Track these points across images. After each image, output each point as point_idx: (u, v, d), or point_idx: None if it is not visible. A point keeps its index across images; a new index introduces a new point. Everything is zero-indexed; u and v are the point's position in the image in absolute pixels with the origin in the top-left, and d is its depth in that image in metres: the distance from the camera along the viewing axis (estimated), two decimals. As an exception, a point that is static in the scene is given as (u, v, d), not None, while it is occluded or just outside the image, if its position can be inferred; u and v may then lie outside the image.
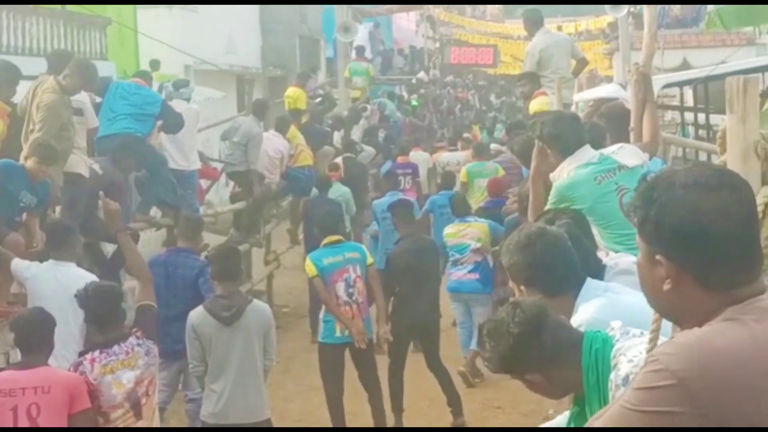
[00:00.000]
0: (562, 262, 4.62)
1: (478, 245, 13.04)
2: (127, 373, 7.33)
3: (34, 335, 7.25)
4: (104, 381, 7.28)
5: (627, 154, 6.73)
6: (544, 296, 4.45)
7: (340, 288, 10.91)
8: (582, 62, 14.83)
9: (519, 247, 4.66)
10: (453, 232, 13.23)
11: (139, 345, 7.42)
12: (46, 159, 9.92)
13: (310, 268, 11.06)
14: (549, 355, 3.86)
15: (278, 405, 11.27)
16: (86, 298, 7.59)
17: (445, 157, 22.35)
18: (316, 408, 11.75)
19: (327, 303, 10.95)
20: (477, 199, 18.30)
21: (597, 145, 7.11)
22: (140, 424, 7.40)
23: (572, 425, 4.01)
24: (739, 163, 3.12)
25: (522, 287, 4.68)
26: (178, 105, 13.71)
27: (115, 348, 7.38)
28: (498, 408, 12.14)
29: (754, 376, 2.36)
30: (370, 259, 11.30)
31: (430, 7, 50.82)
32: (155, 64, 20.30)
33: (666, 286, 2.57)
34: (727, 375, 2.34)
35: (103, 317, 7.55)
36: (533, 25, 14.56)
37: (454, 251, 13.17)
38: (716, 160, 3.35)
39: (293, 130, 18.92)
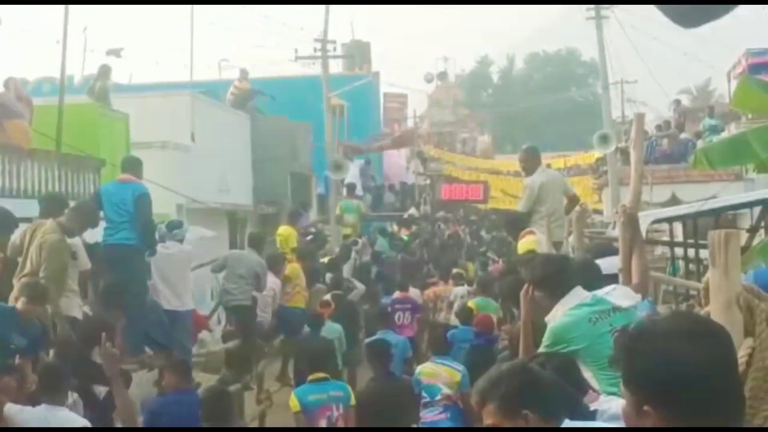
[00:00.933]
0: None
1: (449, 392, 12.92)
2: None
3: None
4: None
5: (620, 296, 6.75)
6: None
7: (322, 425, 10.98)
8: (573, 199, 14.91)
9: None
10: (429, 372, 12.93)
11: None
12: (35, 298, 9.97)
13: (294, 404, 11.18)
14: None
15: None
16: None
17: (458, 290, 22.25)
18: None
19: None
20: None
21: (594, 283, 7.12)
22: None
23: None
24: (723, 315, 3.19)
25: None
26: (171, 246, 13.81)
27: None
28: None
29: None
30: (353, 400, 11.29)
31: (421, 143, 51.39)
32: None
33: None
34: None
35: None
36: (534, 163, 14.60)
37: (425, 392, 13.00)
38: (701, 312, 3.41)
39: (296, 269, 19.06)
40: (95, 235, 12.98)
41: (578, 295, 6.79)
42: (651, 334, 2.64)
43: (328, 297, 18.90)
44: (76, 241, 11.72)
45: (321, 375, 11.33)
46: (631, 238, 7.98)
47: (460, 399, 12.87)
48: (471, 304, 18.56)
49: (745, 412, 3.09)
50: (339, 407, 11.05)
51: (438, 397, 12.70)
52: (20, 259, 11.08)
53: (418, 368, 13.01)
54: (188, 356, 13.93)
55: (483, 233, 48.66)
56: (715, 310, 3.21)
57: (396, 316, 19.41)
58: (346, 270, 23.79)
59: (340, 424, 11.01)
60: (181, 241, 14.16)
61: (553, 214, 13.63)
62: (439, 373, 12.94)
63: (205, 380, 14.23)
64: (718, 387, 2.57)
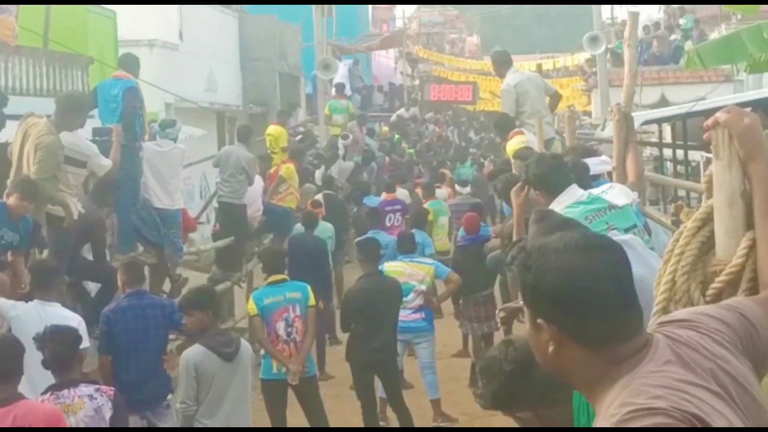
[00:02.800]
0: None
1: (423, 287, 12.99)
2: (73, 416, 7.31)
3: (6, 361, 7.06)
4: None
5: (616, 194, 6.76)
6: None
7: (280, 327, 11.08)
8: (556, 96, 14.91)
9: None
10: (398, 271, 12.92)
11: (90, 397, 7.37)
12: (27, 195, 9.95)
13: (252, 307, 11.29)
14: (540, 393, 3.90)
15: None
16: (43, 340, 7.57)
17: (439, 193, 22.32)
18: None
19: (262, 342, 11.19)
20: (440, 236, 18.51)
21: (584, 182, 7.14)
22: None
23: None
24: (726, 208, 3.19)
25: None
26: (164, 144, 13.78)
27: (65, 392, 7.39)
28: None
29: None
30: (312, 301, 11.37)
31: (409, 44, 51.10)
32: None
33: (550, 348, 2.67)
34: None
35: (57, 360, 7.53)
36: (503, 66, 14.58)
37: None
38: (703, 204, 3.42)
39: (291, 169, 19.08)
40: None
41: (574, 193, 6.82)
42: (543, 249, 2.69)
43: (319, 197, 18.94)
44: (87, 145, 11.70)
45: (279, 277, 11.42)
46: (626, 137, 7.99)
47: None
48: (426, 206, 18.65)
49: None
50: (296, 308, 11.14)
51: (411, 296, 12.74)
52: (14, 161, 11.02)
53: (384, 266, 12.98)
54: (179, 254, 13.97)
55: (472, 134, 48.69)
56: (718, 204, 3.22)
57: (387, 218, 19.47)
58: (335, 170, 23.85)
59: (297, 325, 11.10)
60: (174, 139, 14.13)
61: (539, 112, 13.61)
62: (408, 272, 12.98)
63: (194, 279, 14.31)
64: (605, 297, 2.61)
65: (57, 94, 15.24)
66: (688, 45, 29.08)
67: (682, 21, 34.76)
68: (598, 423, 2.56)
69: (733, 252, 3.16)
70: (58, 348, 7.50)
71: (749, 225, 3.18)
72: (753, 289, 3.14)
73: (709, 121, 3.23)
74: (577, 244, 2.67)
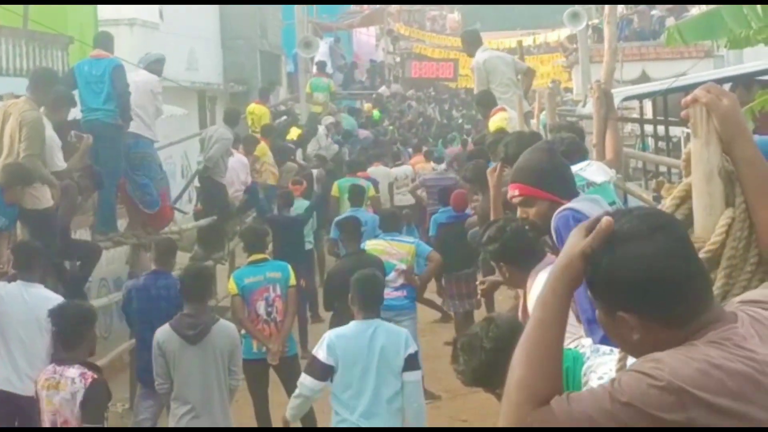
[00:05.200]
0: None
1: (403, 266, 12.94)
2: (56, 395, 7.38)
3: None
4: (41, 395, 7.45)
5: (594, 171, 6.75)
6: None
7: (260, 307, 11.13)
8: (529, 73, 15.03)
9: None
10: (380, 249, 12.78)
11: (72, 381, 7.40)
12: (17, 180, 9.98)
13: (232, 287, 11.33)
14: None
15: (245, 423, 11.29)
16: (58, 316, 7.65)
17: (396, 171, 22.36)
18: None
19: (242, 322, 11.11)
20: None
21: (579, 156, 7.09)
22: None
23: None
24: (704, 185, 3.19)
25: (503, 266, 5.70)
26: (141, 74, 13.82)
27: (61, 368, 7.46)
28: (464, 421, 12.20)
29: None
30: (292, 280, 11.39)
31: (390, 21, 51.00)
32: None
33: (635, 336, 2.66)
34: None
35: (68, 335, 7.61)
36: (472, 45, 14.86)
37: None
38: (682, 181, 3.42)
39: (263, 147, 19.07)
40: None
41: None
42: (607, 242, 2.65)
43: (316, 172, 19.01)
44: (50, 136, 11.57)
45: (260, 256, 11.45)
46: (605, 114, 8.00)
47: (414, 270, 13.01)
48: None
49: (724, 282, 3.14)
50: (276, 288, 11.16)
51: (392, 274, 12.72)
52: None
53: (366, 244, 12.85)
54: (153, 191, 14.04)
55: (454, 112, 48.62)
56: (696, 181, 3.22)
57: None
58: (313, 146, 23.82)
59: (278, 305, 11.13)
60: (154, 72, 14.22)
61: (508, 87, 13.74)
62: (389, 250, 12.95)
63: (177, 258, 14.29)
64: (681, 277, 2.62)
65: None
66: (670, 21, 29.13)
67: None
68: None
69: (711, 230, 3.17)
70: (71, 325, 7.61)
71: (728, 203, 3.20)
72: (734, 267, 3.16)
73: (688, 99, 3.23)
74: (639, 230, 2.64)
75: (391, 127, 34.42)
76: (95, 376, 7.47)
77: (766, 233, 3.15)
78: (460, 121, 44.55)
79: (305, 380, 8.36)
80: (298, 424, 9.80)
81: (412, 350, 8.45)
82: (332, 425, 8.46)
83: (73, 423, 7.33)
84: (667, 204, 3.37)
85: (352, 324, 8.62)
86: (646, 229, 2.64)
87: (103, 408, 7.65)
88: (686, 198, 3.31)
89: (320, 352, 8.29)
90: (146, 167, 13.79)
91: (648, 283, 2.60)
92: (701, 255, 3.11)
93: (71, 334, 7.58)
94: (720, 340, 2.57)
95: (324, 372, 8.26)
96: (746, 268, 3.16)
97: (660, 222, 2.70)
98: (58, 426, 7.36)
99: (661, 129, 19.76)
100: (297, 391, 8.48)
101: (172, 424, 9.09)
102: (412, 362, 8.39)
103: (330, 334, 8.52)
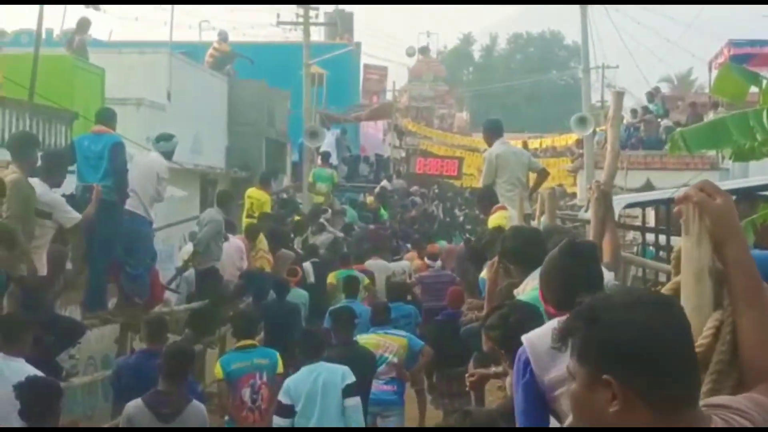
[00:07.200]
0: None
1: (395, 360, 12.82)
2: None
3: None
4: None
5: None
6: None
7: (246, 393, 11.10)
8: (543, 174, 14.90)
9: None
10: (373, 343, 12.75)
11: None
12: (3, 243, 9.89)
13: (218, 371, 11.30)
14: None
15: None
16: (22, 390, 7.53)
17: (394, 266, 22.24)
18: None
19: (226, 408, 11.15)
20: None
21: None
22: None
23: None
24: (693, 284, 3.10)
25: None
26: (147, 156, 13.78)
27: None
28: None
29: None
30: (280, 368, 11.34)
31: (398, 117, 51.28)
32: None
33: (613, 408, 2.51)
34: None
35: (35, 412, 7.47)
36: (493, 134, 14.68)
37: None
38: (670, 282, 3.31)
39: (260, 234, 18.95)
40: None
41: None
42: (609, 302, 2.57)
43: (307, 265, 18.90)
44: (52, 197, 11.53)
45: (248, 342, 11.48)
46: (604, 215, 7.90)
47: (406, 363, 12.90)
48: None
49: (710, 387, 3.01)
50: (263, 375, 11.16)
51: (383, 367, 12.59)
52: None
53: (359, 338, 12.75)
54: (146, 279, 13.91)
55: (456, 211, 48.64)
56: (685, 280, 3.11)
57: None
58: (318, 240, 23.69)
59: (263, 392, 11.10)
60: (166, 154, 14.17)
61: (514, 185, 13.65)
62: (382, 343, 12.83)
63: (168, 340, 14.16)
64: (678, 356, 2.51)
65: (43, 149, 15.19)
66: (666, 123, 29.24)
67: (651, 106, 35.02)
68: None
69: (699, 331, 3.05)
70: (38, 401, 7.53)
71: (717, 304, 3.09)
72: (722, 373, 3.03)
73: (680, 196, 3.13)
74: (647, 300, 2.56)
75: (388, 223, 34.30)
76: None
77: (746, 340, 3.03)
78: (461, 219, 44.51)
79: (273, 419, 9.89)
80: None
81: (349, 381, 9.92)
82: None
83: None
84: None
85: (302, 369, 10.07)
86: (654, 301, 2.57)
87: None
88: (675, 296, 3.20)
89: (282, 396, 9.88)
90: (139, 250, 13.63)
91: (647, 351, 2.49)
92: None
93: (42, 412, 7.46)
94: None
95: (286, 411, 9.77)
96: (733, 374, 3.04)
97: (667, 300, 2.66)
98: None
99: (662, 238, 19.69)
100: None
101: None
102: (349, 390, 9.90)
103: (287, 381, 10.06)
